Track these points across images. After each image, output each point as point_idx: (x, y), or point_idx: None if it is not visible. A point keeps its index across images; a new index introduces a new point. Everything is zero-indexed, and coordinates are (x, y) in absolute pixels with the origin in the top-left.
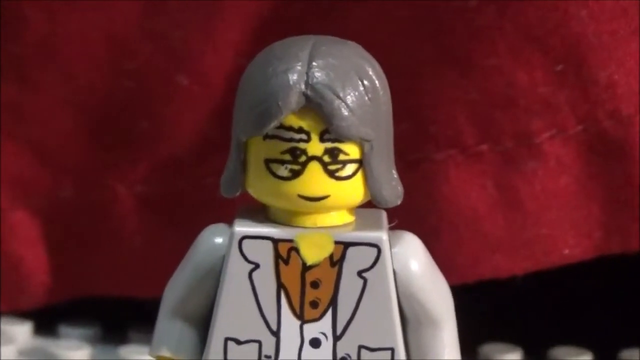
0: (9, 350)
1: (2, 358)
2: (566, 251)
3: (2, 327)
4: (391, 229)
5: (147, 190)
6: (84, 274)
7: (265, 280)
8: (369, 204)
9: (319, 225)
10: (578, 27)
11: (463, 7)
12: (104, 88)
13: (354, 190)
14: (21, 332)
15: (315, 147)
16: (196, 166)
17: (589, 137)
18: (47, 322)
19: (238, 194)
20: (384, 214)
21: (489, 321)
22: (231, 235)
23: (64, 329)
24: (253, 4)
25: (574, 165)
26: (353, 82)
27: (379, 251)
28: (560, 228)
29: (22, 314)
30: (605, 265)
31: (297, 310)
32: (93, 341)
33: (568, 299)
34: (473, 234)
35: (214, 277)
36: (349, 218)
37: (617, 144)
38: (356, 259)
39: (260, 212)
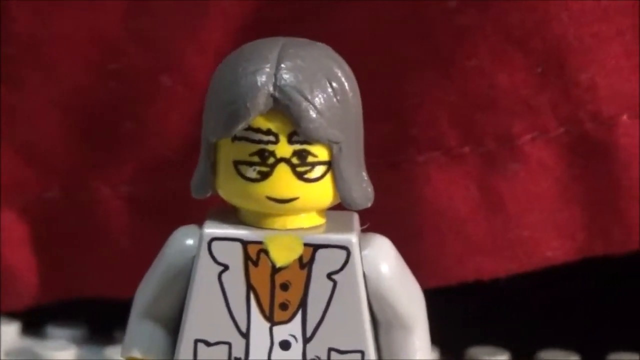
0: None
1: None
2: (549, 253)
3: None
4: (364, 231)
5: (133, 190)
6: (71, 275)
7: (235, 282)
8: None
9: (288, 227)
10: (559, 28)
11: (444, 8)
12: (90, 89)
13: (323, 192)
14: (8, 332)
15: (284, 149)
16: (181, 166)
17: (571, 138)
18: (34, 322)
19: (208, 195)
20: (356, 217)
21: (476, 324)
22: (200, 237)
23: (51, 330)
24: (237, 4)
25: (556, 167)
26: (321, 84)
27: (348, 253)
28: (543, 230)
29: (9, 314)
30: (592, 266)
31: (267, 312)
32: (79, 342)
33: (555, 301)
34: (456, 236)
35: (184, 279)
36: (319, 220)
37: (598, 145)
38: (325, 261)
39: (232, 214)
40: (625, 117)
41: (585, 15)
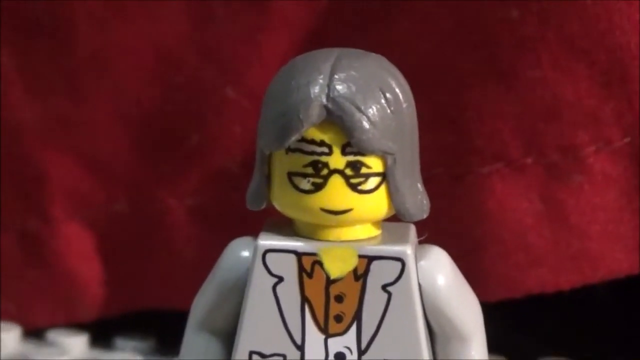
0: None
1: None
2: (613, 265)
3: (59, 338)
4: (422, 242)
5: (198, 202)
6: (138, 287)
7: (290, 293)
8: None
9: (343, 238)
10: (622, 38)
11: (506, 19)
12: (155, 101)
13: (377, 203)
14: (77, 343)
15: (337, 160)
16: (245, 178)
17: (635, 149)
18: (103, 334)
19: (263, 207)
20: (413, 228)
21: (545, 334)
22: (255, 249)
23: (119, 341)
24: (300, 15)
25: (620, 179)
26: (375, 95)
27: (403, 265)
28: (607, 242)
29: (78, 326)
30: None
31: (322, 324)
32: (147, 353)
33: (624, 311)
34: (519, 248)
35: (239, 290)
36: (375, 232)
37: None
38: (380, 273)
39: (287, 225)
40: None
41: None
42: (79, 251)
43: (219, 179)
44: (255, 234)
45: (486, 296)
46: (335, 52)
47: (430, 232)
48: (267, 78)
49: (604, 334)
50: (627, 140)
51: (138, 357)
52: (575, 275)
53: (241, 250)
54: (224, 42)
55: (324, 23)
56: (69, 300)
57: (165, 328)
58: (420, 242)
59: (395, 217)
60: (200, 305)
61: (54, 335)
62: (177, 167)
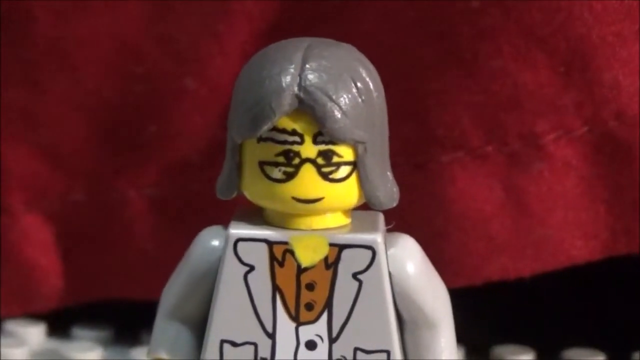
0: (21, 352)
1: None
2: (573, 252)
3: (16, 329)
4: (390, 230)
5: (158, 192)
6: (96, 277)
7: (261, 282)
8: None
9: (314, 227)
10: (582, 28)
11: (467, 8)
12: (114, 92)
13: (348, 192)
14: (34, 333)
15: (309, 149)
16: (205, 168)
17: (595, 138)
18: (60, 324)
19: (233, 196)
20: (381, 216)
21: (501, 323)
22: (226, 238)
23: (76, 331)
24: (260, 6)
25: (580, 166)
26: (346, 84)
27: (374, 253)
28: (567, 229)
29: (35, 316)
30: (619, 265)
31: (293, 312)
32: (105, 343)
33: (581, 300)
34: (480, 236)
35: (210, 280)
36: (345, 220)
37: (622, 144)
38: (351, 261)
39: (257, 215)
40: None
41: (608, 14)
42: (37, 242)
43: (178, 170)
44: (215, 224)
45: (447, 284)
46: (307, 41)
47: (391, 221)
48: (226, 68)
49: (561, 321)
50: (586, 128)
51: (96, 347)
52: (536, 263)
53: (212, 240)
54: (183, 33)
55: (284, 14)
56: (26, 291)
57: (124, 318)
58: (388, 231)
59: (363, 206)
60: (171, 294)
61: (11, 325)
62: (136, 158)
